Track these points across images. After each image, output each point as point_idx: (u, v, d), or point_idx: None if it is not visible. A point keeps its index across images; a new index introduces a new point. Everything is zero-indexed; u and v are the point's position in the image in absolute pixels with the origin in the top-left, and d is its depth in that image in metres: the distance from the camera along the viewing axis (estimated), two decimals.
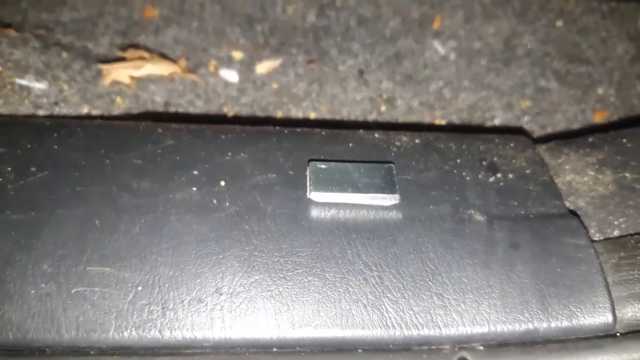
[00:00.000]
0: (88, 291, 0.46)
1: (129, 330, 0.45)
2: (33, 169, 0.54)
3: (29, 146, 0.56)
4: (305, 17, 1.03)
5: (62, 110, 0.80)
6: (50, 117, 0.79)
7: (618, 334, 0.50)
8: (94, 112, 0.82)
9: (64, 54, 0.87)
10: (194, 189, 0.54)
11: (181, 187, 0.54)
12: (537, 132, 0.92)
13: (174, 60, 0.93)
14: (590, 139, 0.68)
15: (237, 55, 0.97)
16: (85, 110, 0.81)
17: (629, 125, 0.71)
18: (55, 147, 0.56)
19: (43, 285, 0.46)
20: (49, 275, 0.47)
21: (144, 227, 0.51)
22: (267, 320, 0.47)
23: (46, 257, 0.48)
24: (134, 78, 0.87)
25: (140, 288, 0.47)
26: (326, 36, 1.01)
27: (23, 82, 0.81)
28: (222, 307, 0.47)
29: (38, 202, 0.51)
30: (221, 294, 0.48)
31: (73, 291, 0.46)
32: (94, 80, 0.85)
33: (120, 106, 0.84)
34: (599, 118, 0.94)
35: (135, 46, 0.94)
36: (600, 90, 0.98)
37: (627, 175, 0.62)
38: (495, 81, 0.98)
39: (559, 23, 1.07)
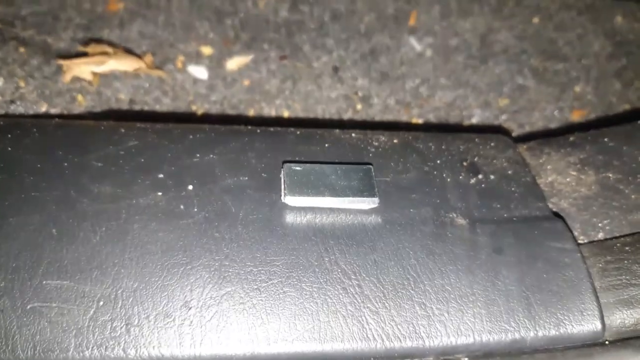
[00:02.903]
0: (45, 307, 0.44)
1: (90, 349, 0.43)
2: None
3: None
4: (277, 11, 1.01)
5: (19, 108, 0.77)
6: (5, 116, 0.76)
7: (607, 342, 0.50)
8: (53, 111, 0.78)
9: (22, 49, 0.83)
10: (160, 193, 0.51)
11: (146, 192, 0.51)
12: (515, 130, 0.92)
13: (139, 56, 0.89)
14: (571, 138, 0.67)
15: (206, 50, 0.94)
16: (43, 108, 0.78)
17: (607, 123, 0.71)
18: (9, 149, 0.53)
19: None
20: (2, 290, 0.44)
21: (105, 236, 0.48)
22: (240, 336, 0.45)
23: None
24: (97, 74, 0.84)
25: (101, 303, 0.44)
26: (299, 31, 0.99)
27: None
28: (191, 322, 0.45)
29: None
30: (190, 308, 0.45)
31: (28, 307, 0.43)
32: (54, 77, 0.81)
33: (81, 104, 0.81)
34: (577, 116, 0.94)
35: (99, 41, 0.90)
36: (577, 88, 0.98)
37: (610, 175, 0.61)
38: (472, 79, 0.97)
39: (535, 19, 1.06)
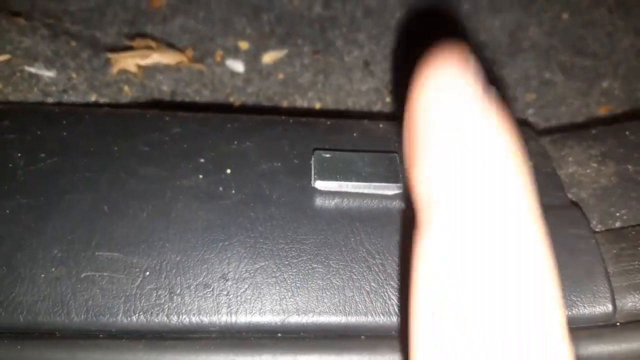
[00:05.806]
0: (97, 275, 0.47)
1: (137, 315, 0.46)
2: (42, 155, 0.54)
3: (39, 133, 0.56)
4: (311, 7, 1.03)
5: (71, 98, 0.81)
6: (59, 104, 0.79)
7: (618, 324, 0.51)
8: (102, 100, 0.82)
9: (73, 43, 0.87)
10: (201, 176, 0.55)
11: (188, 174, 0.55)
12: (542, 125, 0.93)
13: (180, 50, 0.93)
14: (593, 131, 0.68)
15: (243, 45, 0.97)
16: (93, 98, 0.82)
17: (632, 118, 0.71)
18: (64, 134, 0.57)
19: (53, 269, 0.47)
20: (59, 260, 0.47)
21: (151, 213, 0.51)
22: (271, 306, 0.47)
23: (56, 241, 0.48)
24: (141, 67, 0.88)
25: (147, 273, 0.48)
26: (332, 27, 1.01)
27: (32, 70, 0.81)
28: (228, 292, 0.47)
29: (48, 187, 0.52)
30: (227, 280, 0.48)
31: (82, 275, 0.47)
32: (102, 69, 0.86)
33: (127, 95, 0.85)
34: (603, 111, 0.94)
35: (143, 35, 0.94)
36: (605, 84, 0.98)
37: (630, 167, 0.63)
38: (500, 73, 0.98)
39: (565, 16, 1.07)
